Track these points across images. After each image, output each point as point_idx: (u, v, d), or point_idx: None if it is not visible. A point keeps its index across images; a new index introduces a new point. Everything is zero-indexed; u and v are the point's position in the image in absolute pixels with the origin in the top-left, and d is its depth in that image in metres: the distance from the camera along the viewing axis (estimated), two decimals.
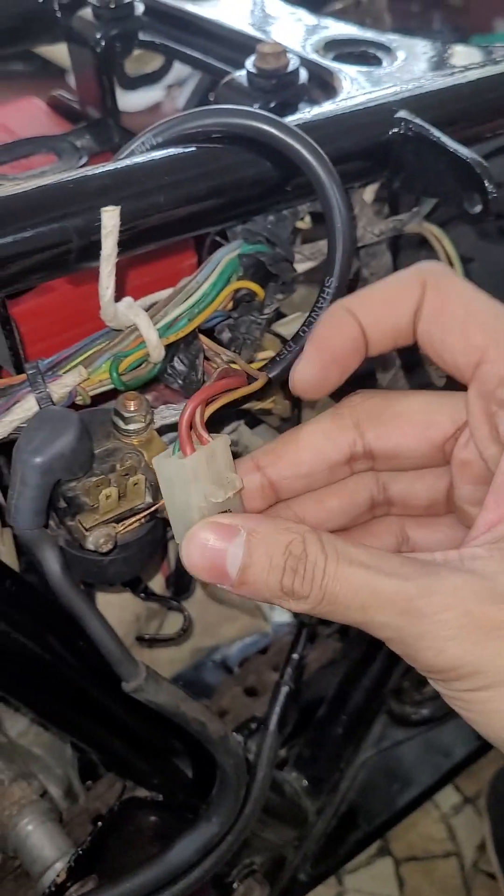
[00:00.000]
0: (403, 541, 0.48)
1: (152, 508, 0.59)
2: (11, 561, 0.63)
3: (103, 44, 0.77)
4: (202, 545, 0.40)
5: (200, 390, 0.48)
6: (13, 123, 0.83)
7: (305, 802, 0.97)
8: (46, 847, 0.75)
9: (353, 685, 0.94)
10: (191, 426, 0.45)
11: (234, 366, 0.58)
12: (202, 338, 0.60)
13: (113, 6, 0.78)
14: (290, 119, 0.58)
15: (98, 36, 0.77)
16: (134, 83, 0.88)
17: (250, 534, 0.39)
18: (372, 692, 0.94)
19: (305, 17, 0.79)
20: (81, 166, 0.73)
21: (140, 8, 0.79)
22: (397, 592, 0.36)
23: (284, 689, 0.79)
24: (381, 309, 0.42)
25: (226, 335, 0.64)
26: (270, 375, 0.59)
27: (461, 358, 0.41)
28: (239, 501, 0.47)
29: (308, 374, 0.43)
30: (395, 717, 1.03)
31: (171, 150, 0.54)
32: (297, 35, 0.75)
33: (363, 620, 0.37)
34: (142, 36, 0.79)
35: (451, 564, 0.37)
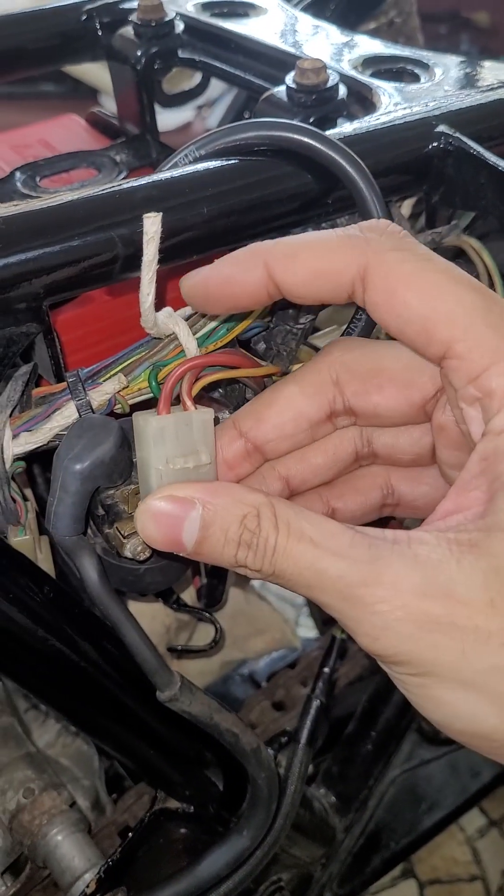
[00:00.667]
0: (388, 493, 0.48)
1: None
2: (48, 567, 0.63)
3: (143, 61, 0.79)
4: (157, 516, 0.41)
5: (197, 357, 0.49)
6: (53, 139, 0.84)
7: (334, 819, 0.96)
8: (76, 857, 0.75)
9: (382, 701, 0.93)
10: (172, 389, 0.46)
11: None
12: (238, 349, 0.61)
13: (153, 24, 0.79)
14: (331, 133, 0.59)
15: (138, 53, 0.79)
16: (171, 101, 0.89)
17: (205, 506, 0.40)
18: (401, 708, 0.93)
19: (341, 35, 0.80)
20: (122, 180, 0.74)
21: (180, 26, 0.80)
22: (340, 578, 0.36)
23: (315, 703, 0.79)
24: (303, 270, 0.41)
25: (261, 346, 0.64)
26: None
27: (424, 349, 0.40)
28: (211, 472, 0.47)
29: (195, 282, 0.44)
30: (424, 734, 1.02)
31: (214, 162, 0.55)
32: (333, 52, 0.76)
33: (310, 596, 0.38)
34: (181, 53, 0.81)
35: (398, 549, 0.37)
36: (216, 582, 0.81)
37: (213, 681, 1.02)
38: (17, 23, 0.83)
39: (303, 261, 0.41)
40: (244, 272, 0.42)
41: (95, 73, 2.09)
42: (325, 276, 0.41)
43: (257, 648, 1.02)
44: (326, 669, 0.81)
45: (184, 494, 0.41)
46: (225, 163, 0.55)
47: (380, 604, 0.36)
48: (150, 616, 0.87)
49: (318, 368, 0.46)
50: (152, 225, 0.50)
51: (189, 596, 0.87)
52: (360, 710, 0.96)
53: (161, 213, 0.49)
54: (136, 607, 0.86)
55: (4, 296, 0.47)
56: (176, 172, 0.53)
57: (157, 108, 0.87)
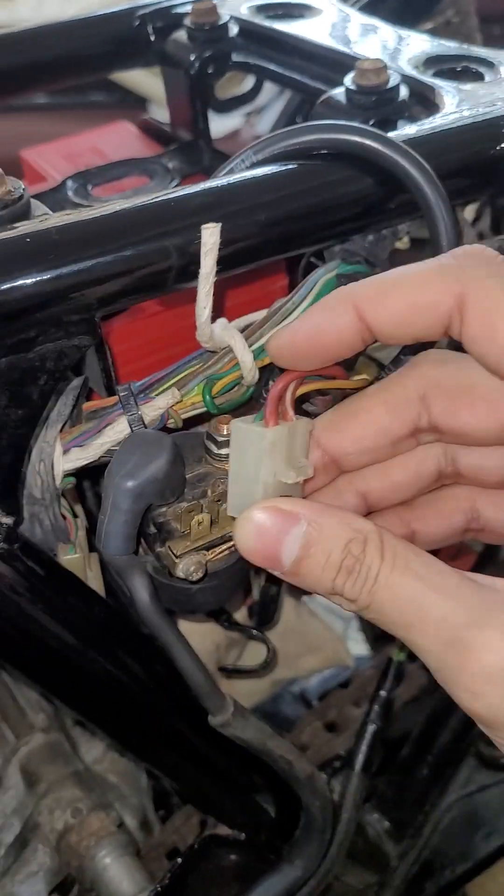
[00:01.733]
0: (473, 517, 0.45)
1: None
2: (98, 585, 0.61)
3: (197, 65, 0.77)
4: (260, 528, 0.38)
5: (291, 371, 0.47)
6: (105, 147, 0.83)
7: (388, 845, 0.92)
8: (124, 881, 0.73)
9: (439, 724, 0.90)
10: (279, 400, 0.44)
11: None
12: None
13: (207, 28, 0.77)
14: (394, 135, 0.56)
15: (192, 58, 0.77)
16: (224, 106, 0.88)
17: (311, 524, 0.37)
18: (459, 733, 0.90)
19: (399, 35, 0.77)
20: (174, 187, 0.73)
21: (234, 29, 0.79)
22: (443, 619, 0.33)
23: (371, 728, 0.76)
24: (396, 306, 0.38)
25: None
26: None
27: None
28: (300, 487, 0.45)
29: (283, 341, 0.42)
30: (483, 759, 0.98)
31: (272, 168, 0.53)
32: (392, 52, 0.73)
33: (406, 639, 0.35)
34: (235, 57, 0.79)
35: None
36: (268, 600, 0.79)
37: (264, 699, 1.00)
38: (69, 30, 0.82)
39: (394, 297, 0.39)
40: (333, 319, 0.40)
41: (145, 81, 2.08)
42: (419, 310, 0.38)
43: (309, 667, 0.99)
44: (383, 693, 0.78)
45: (290, 509, 0.38)
46: (283, 167, 0.53)
47: (486, 652, 0.32)
48: (201, 634, 0.85)
49: (404, 382, 0.43)
50: (211, 236, 0.48)
51: (240, 613, 0.85)
52: (416, 732, 0.93)
53: (220, 224, 0.47)
54: (186, 625, 0.84)
55: (56, 308, 0.45)
56: (232, 178, 0.51)
57: (212, 116, 0.85)
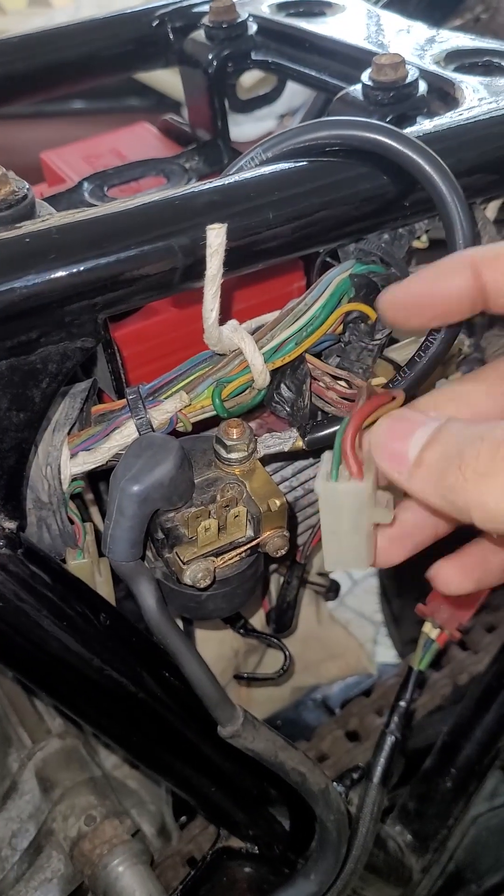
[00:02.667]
0: None
1: (254, 542, 0.55)
2: (108, 592, 0.61)
3: (215, 64, 0.76)
4: (391, 425, 0.41)
5: (358, 411, 0.46)
6: (124, 148, 0.82)
7: (410, 859, 0.90)
8: (137, 891, 0.72)
9: (463, 736, 0.88)
10: (354, 447, 0.44)
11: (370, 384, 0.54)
12: (308, 357, 0.57)
13: (225, 26, 0.76)
14: (410, 130, 0.54)
15: (210, 57, 0.76)
16: (245, 106, 0.86)
17: (435, 425, 0.39)
18: (484, 745, 0.87)
19: (423, 30, 0.75)
20: None
21: (253, 27, 0.77)
22: None
23: (390, 739, 0.74)
24: None
25: (333, 361, 0.60)
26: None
27: None
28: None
29: (396, 295, 0.42)
30: None
31: (282, 165, 0.51)
32: (415, 48, 0.71)
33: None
34: (254, 55, 0.78)
35: None
36: (285, 607, 0.77)
37: (284, 706, 0.98)
38: (88, 30, 0.81)
39: None
40: (450, 277, 0.40)
41: (178, 84, 2.09)
42: None
43: (330, 674, 0.97)
44: (402, 703, 0.76)
45: (416, 415, 0.41)
46: (293, 165, 0.51)
47: None
48: (219, 640, 0.84)
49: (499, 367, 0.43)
50: (216, 237, 0.46)
51: (258, 620, 0.84)
52: (439, 743, 0.90)
53: (226, 225, 0.46)
54: (204, 631, 0.83)
55: (57, 309, 0.44)
56: (240, 176, 0.50)
57: (239, 117, 0.84)
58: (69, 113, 2.35)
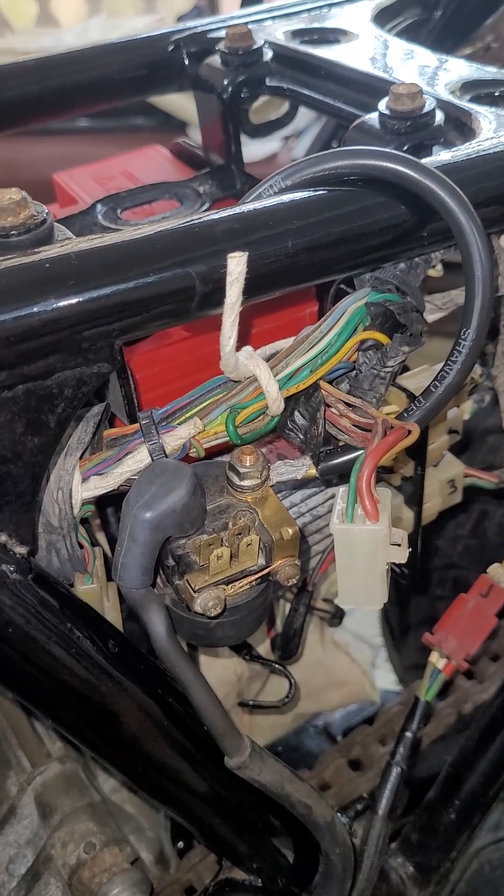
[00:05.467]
0: None
1: (265, 571, 0.55)
2: (115, 617, 0.60)
3: (230, 90, 0.76)
4: None
5: (374, 450, 0.46)
6: (137, 170, 0.83)
7: (411, 891, 0.89)
8: None
9: (467, 767, 0.86)
10: (370, 488, 0.44)
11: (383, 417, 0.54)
12: (323, 384, 0.57)
13: (241, 52, 0.77)
14: (428, 161, 0.54)
15: (225, 82, 0.76)
16: (258, 130, 0.87)
17: None
18: (489, 776, 0.86)
19: (437, 60, 0.76)
20: (204, 212, 0.72)
21: (268, 54, 0.78)
22: None
23: (396, 771, 0.73)
24: None
25: (345, 388, 0.60)
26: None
27: None
28: None
29: None
30: None
31: (301, 193, 0.51)
32: (429, 77, 0.72)
33: None
34: (269, 82, 0.78)
35: None
36: (292, 633, 0.77)
37: (286, 733, 0.97)
38: (104, 54, 0.82)
39: None
40: None
41: (185, 105, 2.10)
42: None
43: (333, 701, 0.96)
44: (409, 733, 0.75)
45: None
46: (312, 194, 0.51)
47: None
48: (222, 665, 0.83)
49: None
50: (237, 265, 0.46)
51: (263, 646, 0.83)
52: (443, 774, 0.89)
53: (247, 253, 0.46)
54: (208, 655, 0.82)
55: (74, 335, 0.44)
56: (259, 204, 0.50)
57: (245, 138, 0.84)
58: (76, 130, 2.37)
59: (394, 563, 0.75)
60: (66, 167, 0.84)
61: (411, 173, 0.50)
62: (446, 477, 0.72)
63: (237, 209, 0.49)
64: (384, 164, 0.51)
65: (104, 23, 3.12)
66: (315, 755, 0.99)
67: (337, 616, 0.87)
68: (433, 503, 0.72)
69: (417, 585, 1.09)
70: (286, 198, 0.51)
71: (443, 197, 0.50)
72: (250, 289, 0.48)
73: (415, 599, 1.16)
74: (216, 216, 0.48)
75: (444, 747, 0.99)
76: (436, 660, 0.76)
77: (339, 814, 0.74)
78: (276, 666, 0.78)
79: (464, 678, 0.99)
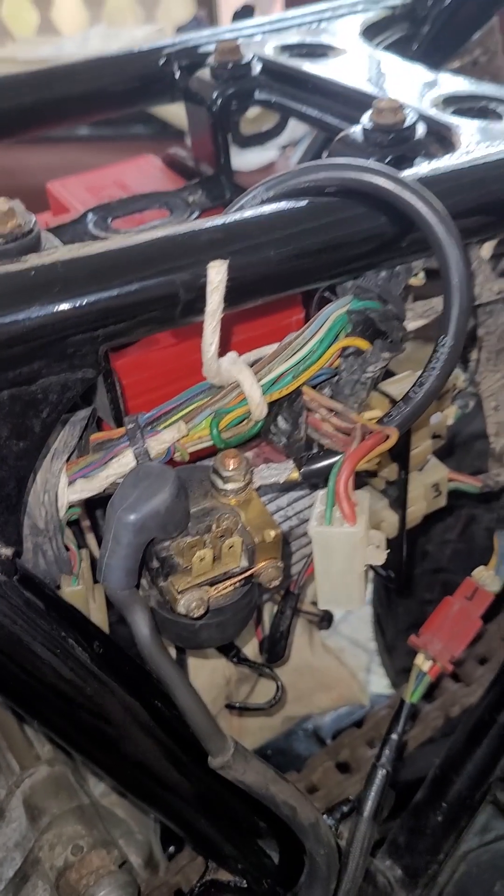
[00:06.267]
0: None
1: (248, 573, 0.56)
2: (101, 619, 0.61)
3: (219, 102, 0.78)
4: None
5: (352, 454, 0.47)
6: (129, 180, 0.84)
7: (399, 894, 0.89)
8: None
9: (454, 770, 0.87)
10: (348, 492, 0.45)
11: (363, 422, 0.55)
12: (305, 389, 0.58)
13: (230, 66, 0.78)
14: (407, 173, 0.56)
15: (214, 95, 0.78)
16: (248, 141, 0.88)
17: None
18: (476, 779, 0.87)
19: (423, 74, 0.77)
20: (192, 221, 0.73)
21: (257, 67, 0.79)
22: None
23: (381, 773, 0.74)
24: None
25: (327, 393, 0.61)
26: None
27: None
28: None
29: None
30: (501, 807, 0.94)
31: (283, 204, 0.53)
32: (414, 91, 0.73)
33: None
34: (258, 95, 0.79)
35: None
36: (278, 636, 0.78)
37: (275, 736, 0.98)
38: (99, 66, 0.83)
39: None
40: None
41: (182, 114, 2.12)
42: None
43: (323, 704, 0.97)
44: (394, 736, 0.76)
45: None
46: (294, 204, 0.53)
47: None
48: (211, 668, 0.84)
49: None
50: (217, 274, 0.48)
51: (252, 648, 0.84)
52: (430, 776, 0.90)
53: (227, 261, 0.47)
54: (196, 658, 0.83)
55: (59, 342, 0.45)
56: (242, 215, 0.51)
57: (243, 148, 0.86)
58: (76, 139, 2.39)
59: (381, 567, 0.76)
60: (65, 175, 0.86)
61: (389, 185, 0.51)
62: (431, 481, 0.73)
63: (220, 219, 0.51)
64: (363, 176, 0.52)
65: (104, 32, 3.15)
66: (304, 758, 0.99)
67: (325, 619, 0.88)
68: (418, 507, 0.73)
69: (404, 589, 1.10)
70: (268, 208, 0.52)
71: (420, 208, 0.51)
72: (232, 297, 0.49)
73: (405, 603, 1.16)
74: (199, 226, 0.50)
75: (433, 750, 0.99)
76: (421, 662, 0.76)
77: (324, 816, 0.75)
78: (263, 669, 0.79)
79: (451, 681, 1.00)
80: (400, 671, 1.34)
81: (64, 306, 0.44)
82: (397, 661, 1.29)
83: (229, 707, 0.83)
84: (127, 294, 0.46)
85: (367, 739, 0.96)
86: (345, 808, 0.78)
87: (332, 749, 0.96)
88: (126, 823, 0.89)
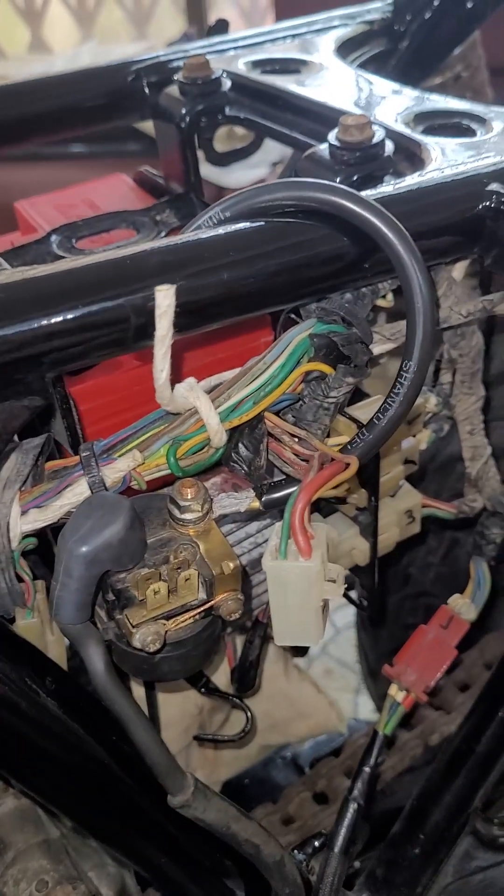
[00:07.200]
0: None
1: (206, 605, 0.54)
2: (59, 653, 0.59)
3: (188, 119, 0.76)
4: None
5: (307, 485, 0.45)
6: (98, 198, 0.82)
7: None
8: None
9: (432, 802, 0.85)
10: (304, 524, 0.43)
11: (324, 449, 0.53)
12: (268, 415, 0.56)
13: (199, 82, 0.77)
14: (371, 192, 0.54)
15: (183, 112, 0.76)
16: (223, 159, 0.87)
17: None
18: (454, 811, 0.85)
19: (395, 90, 0.76)
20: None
21: (227, 84, 0.78)
22: None
23: (353, 806, 0.72)
24: None
25: (289, 418, 0.59)
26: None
27: None
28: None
29: None
30: (481, 839, 0.92)
31: (239, 225, 0.51)
32: (385, 107, 0.72)
33: None
34: (228, 111, 0.78)
35: None
36: (248, 665, 0.76)
37: (252, 765, 0.96)
38: (64, 83, 0.82)
39: None
40: None
41: None
42: None
43: (299, 733, 0.95)
44: (367, 768, 0.74)
45: None
46: (251, 225, 0.51)
47: None
48: (182, 696, 0.82)
49: None
50: (164, 298, 0.46)
51: (224, 676, 0.82)
52: (407, 808, 0.87)
53: (175, 286, 0.46)
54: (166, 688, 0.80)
55: (1, 368, 0.43)
56: (196, 236, 0.50)
57: (233, 165, 0.85)
58: (67, 156, 2.38)
59: (354, 595, 0.74)
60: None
61: (350, 205, 0.50)
62: (404, 507, 0.71)
63: (172, 241, 0.49)
64: (323, 195, 0.50)
65: (95, 49, 3.16)
66: (283, 787, 0.97)
67: (299, 648, 0.86)
68: (390, 534, 0.71)
69: (378, 616, 1.08)
70: (223, 230, 0.50)
71: (381, 229, 0.50)
72: (185, 321, 0.48)
73: (387, 627, 1.14)
74: (150, 248, 0.48)
75: (412, 779, 0.97)
76: (395, 692, 0.75)
77: (296, 851, 0.73)
78: (233, 699, 0.77)
79: (431, 709, 0.98)
80: (384, 696, 1.32)
81: (3, 332, 0.42)
82: (381, 685, 1.26)
83: (198, 739, 0.81)
84: (74, 319, 0.45)
85: (345, 769, 0.94)
86: (316, 843, 0.76)
87: (308, 779, 0.94)
88: (98, 855, 0.87)
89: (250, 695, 0.80)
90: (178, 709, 0.83)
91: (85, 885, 0.78)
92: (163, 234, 0.74)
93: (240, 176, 2.11)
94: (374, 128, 0.62)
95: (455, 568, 1.13)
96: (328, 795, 0.92)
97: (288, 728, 0.93)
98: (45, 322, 0.44)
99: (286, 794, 0.91)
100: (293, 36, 0.89)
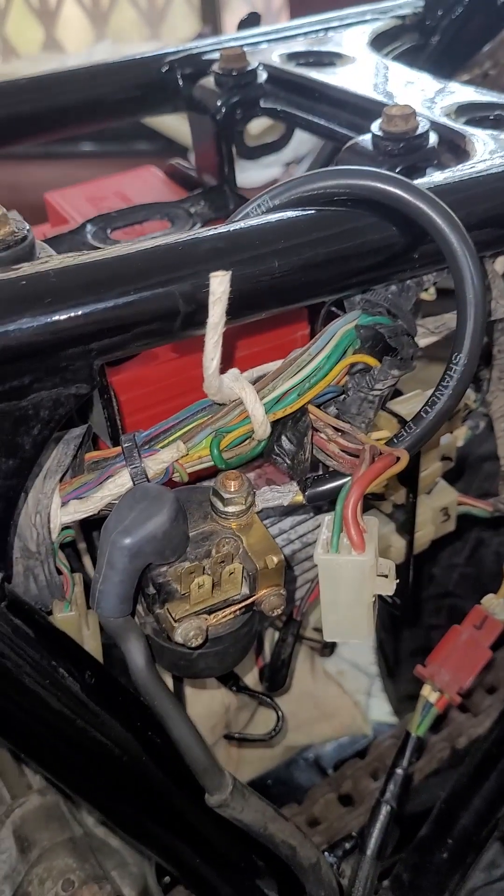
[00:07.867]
0: None
1: (249, 600, 0.53)
2: (95, 646, 0.58)
3: (223, 111, 0.76)
4: None
5: (360, 478, 0.44)
6: (130, 191, 0.82)
7: None
8: None
9: (461, 805, 0.84)
10: (357, 518, 0.42)
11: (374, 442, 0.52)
12: (311, 408, 0.55)
13: (235, 74, 0.76)
14: (420, 182, 0.53)
15: (218, 103, 0.76)
16: (253, 152, 0.86)
17: None
18: (482, 815, 0.83)
19: (433, 83, 0.75)
20: None
21: (263, 76, 0.77)
22: None
23: (385, 809, 0.71)
24: None
25: (332, 412, 0.59)
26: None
27: None
28: None
29: None
30: None
31: (289, 213, 0.50)
32: (425, 100, 0.71)
33: None
34: (263, 103, 0.77)
35: None
36: (280, 664, 0.75)
37: (276, 765, 0.95)
38: (97, 74, 0.81)
39: None
40: None
41: (186, 130, 2.11)
42: None
43: (324, 734, 0.94)
44: (399, 770, 0.73)
45: None
46: (300, 213, 0.50)
47: None
48: (209, 695, 0.81)
49: None
50: (220, 285, 0.45)
51: (252, 675, 0.81)
52: (435, 811, 0.86)
53: (230, 272, 0.45)
54: (194, 685, 0.80)
55: (51, 355, 0.43)
56: (246, 224, 0.49)
57: (246, 163, 0.84)
58: (80, 155, 2.38)
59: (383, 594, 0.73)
60: None
61: (402, 194, 0.49)
62: (439, 505, 0.70)
63: (222, 228, 0.48)
64: (374, 184, 0.49)
65: (109, 49, 3.16)
66: (305, 788, 0.96)
67: (328, 646, 0.85)
68: (426, 531, 0.70)
69: (410, 616, 1.06)
70: (273, 217, 0.49)
71: (434, 218, 0.49)
72: (235, 309, 0.47)
73: (409, 628, 1.13)
74: (201, 235, 0.47)
75: (438, 782, 0.96)
76: (428, 693, 0.73)
77: (326, 853, 0.72)
78: (264, 698, 0.76)
79: (458, 711, 0.97)
80: (403, 698, 1.30)
81: (56, 318, 0.42)
82: (400, 687, 1.25)
83: (228, 738, 0.80)
84: (123, 306, 0.44)
85: (371, 771, 0.93)
86: (347, 845, 0.75)
87: (334, 780, 0.92)
88: (120, 855, 0.86)
89: (279, 694, 0.79)
90: (205, 707, 0.82)
91: (111, 884, 0.77)
92: (197, 225, 0.73)
93: (253, 175, 2.10)
94: (419, 118, 0.61)
95: (479, 569, 1.12)
96: (354, 797, 0.90)
97: (312, 729, 0.92)
98: (96, 307, 0.43)
99: (311, 795, 0.90)
100: (325, 30, 0.89)
